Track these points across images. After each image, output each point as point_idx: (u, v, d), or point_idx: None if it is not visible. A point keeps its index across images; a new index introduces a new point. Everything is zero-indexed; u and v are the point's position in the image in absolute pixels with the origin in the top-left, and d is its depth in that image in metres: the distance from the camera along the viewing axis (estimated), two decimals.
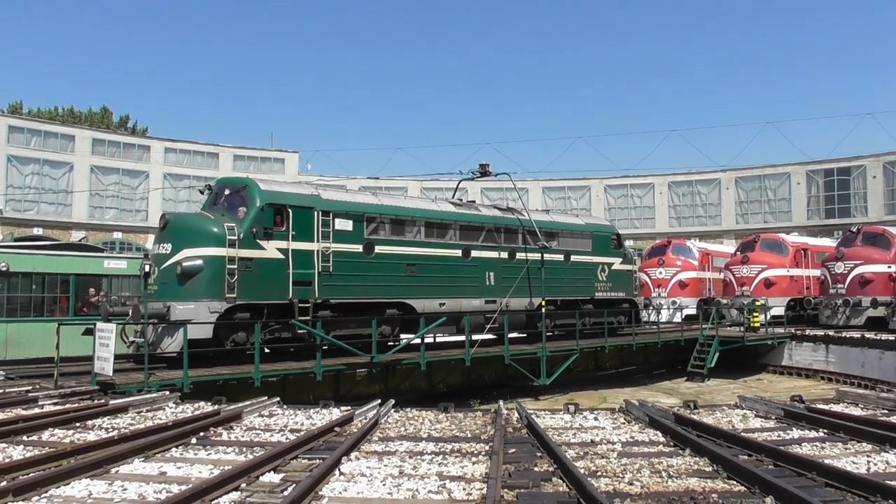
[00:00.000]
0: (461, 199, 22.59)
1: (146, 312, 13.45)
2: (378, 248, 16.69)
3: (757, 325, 24.82)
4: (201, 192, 16.16)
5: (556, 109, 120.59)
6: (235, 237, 14.01)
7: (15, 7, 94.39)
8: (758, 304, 25.61)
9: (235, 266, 13.93)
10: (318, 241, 15.43)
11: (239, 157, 47.14)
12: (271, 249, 14.64)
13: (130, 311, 13.82)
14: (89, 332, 12.86)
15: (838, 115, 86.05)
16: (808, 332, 23.75)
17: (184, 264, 13.61)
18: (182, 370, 12.40)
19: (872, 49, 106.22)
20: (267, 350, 14.92)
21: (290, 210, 15.03)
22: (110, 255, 19.02)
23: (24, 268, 16.15)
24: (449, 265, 18.44)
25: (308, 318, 14.72)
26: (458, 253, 18.73)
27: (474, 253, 19.13)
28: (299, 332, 14.75)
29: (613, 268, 23.55)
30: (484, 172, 21.44)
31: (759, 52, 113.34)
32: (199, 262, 13.68)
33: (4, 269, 15.55)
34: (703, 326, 24.01)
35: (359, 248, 16.30)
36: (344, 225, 16.05)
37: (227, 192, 15.51)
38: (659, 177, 49.68)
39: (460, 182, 24.16)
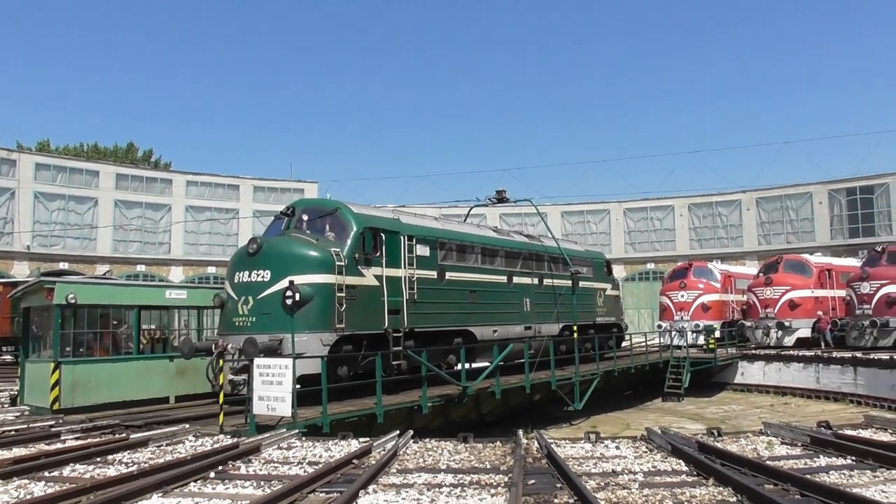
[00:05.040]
0: (494, 227, 22.75)
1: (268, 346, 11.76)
2: (448, 275, 16.18)
3: (713, 346, 25.40)
4: (284, 215, 14.59)
5: (570, 135, 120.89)
6: (343, 263, 13.02)
7: (45, 51, 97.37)
8: (711, 326, 27.19)
9: (343, 294, 12.89)
10: (405, 267, 14.73)
11: (259, 189, 47.82)
12: (369, 276, 13.81)
13: (241, 346, 11.99)
14: (245, 369, 11.77)
15: (856, 133, 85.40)
16: (834, 354, 23.28)
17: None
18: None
19: (889, 67, 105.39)
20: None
21: (383, 235, 14.33)
22: (172, 285, 17.85)
23: (90, 299, 14.67)
24: (499, 291, 18.15)
25: (401, 348, 13.92)
26: (504, 279, 18.50)
27: (515, 279, 18.93)
28: (394, 362, 13.79)
29: (607, 293, 23.84)
30: (501, 198, 21.56)
31: (775, 71, 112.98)
32: (309, 290, 12.53)
33: (73, 300, 14.24)
34: (676, 346, 25.29)
35: (434, 274, 15.71)
36: (423, 251, 15.45)
37: (307, 216, 14.32)
38: (679, 199, 49.37)
39: (471, 209, 24.17)
